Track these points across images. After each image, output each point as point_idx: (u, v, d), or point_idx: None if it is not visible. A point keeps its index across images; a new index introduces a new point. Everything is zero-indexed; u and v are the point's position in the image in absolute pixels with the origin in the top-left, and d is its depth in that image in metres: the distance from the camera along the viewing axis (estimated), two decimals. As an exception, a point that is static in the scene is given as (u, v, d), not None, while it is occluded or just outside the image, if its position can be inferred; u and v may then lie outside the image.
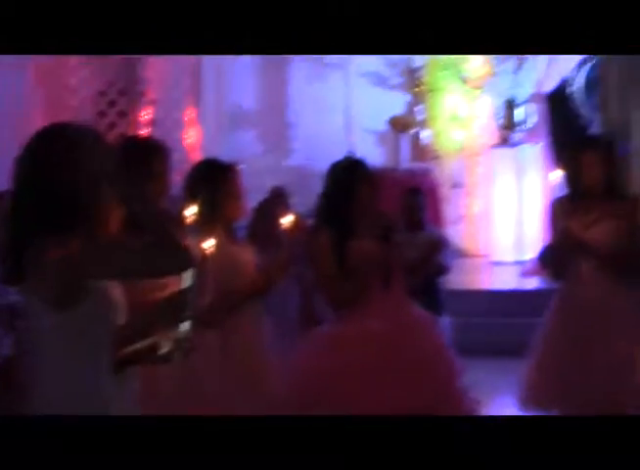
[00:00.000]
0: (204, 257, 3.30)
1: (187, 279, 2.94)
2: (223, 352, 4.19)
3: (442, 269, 6.44)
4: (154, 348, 2.90)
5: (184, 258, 2.80)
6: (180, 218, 3.45)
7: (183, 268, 2.86)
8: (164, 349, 2.91)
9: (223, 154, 10.20)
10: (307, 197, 7.71)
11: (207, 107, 10.60)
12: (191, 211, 3.37)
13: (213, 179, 4.38)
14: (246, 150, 10.80)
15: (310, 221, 6.42)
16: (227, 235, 4.36)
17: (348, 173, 4.62)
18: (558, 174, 4.72)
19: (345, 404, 4.28)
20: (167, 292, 2.97)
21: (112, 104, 10.40)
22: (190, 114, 10.32)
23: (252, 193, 7.70)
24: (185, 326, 2.95)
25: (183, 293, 2.94)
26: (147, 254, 2.72)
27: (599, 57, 9.02)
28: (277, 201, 6.28)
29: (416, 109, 10.97)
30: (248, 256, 4.47)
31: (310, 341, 4.65)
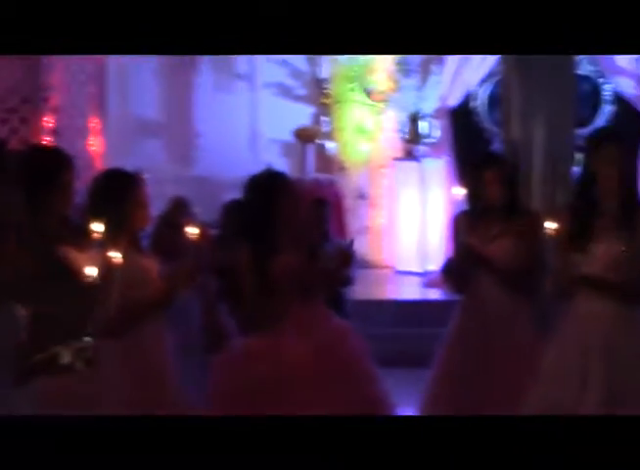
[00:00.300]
0: (109, 267, 3.28)
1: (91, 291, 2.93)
2: (125, 363, 4.15)
3: (347, 280, 6.48)
4: (54, 358, 2.88)
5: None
6: (85, 228, 3.42)
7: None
8: (65, 359, 2.89)
9: (127, 162, 10.07)
10: (212, 206, 7.69)
11: (112, 115, 10.49)
12: (96, 222, 3.34)
13: (118, 189, 4.35)
14: (150, 159, 10.69)
15: (214, 231, 6.42)
16: (132, 244, 4.33)
17: (269, 186, 4.54)
18: (461, 190, 4.80)
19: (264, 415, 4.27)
20: (72, 303, 2.95)
21: (13, 110, 10.22)
22: (94, 121, 10.21)
23: (157, 202, 7.63)
24: (87, 337, 2.93)
25: (87, 304, 2.92)
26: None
27: (501, 73, 9.17)
28: (181, 210, 6.24)
29: (322, 120, 11.02)
30: (152, 265, 4.44)
31: (228, 354, 4.61)
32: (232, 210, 6.13)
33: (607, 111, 10.71)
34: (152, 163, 10.54)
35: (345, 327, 4.68)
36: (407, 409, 5.16)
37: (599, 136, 4.56)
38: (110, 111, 10.40)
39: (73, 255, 3.79)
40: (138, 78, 10.33)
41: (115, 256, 3.38)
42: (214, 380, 4.51)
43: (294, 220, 4.51)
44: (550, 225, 4.19)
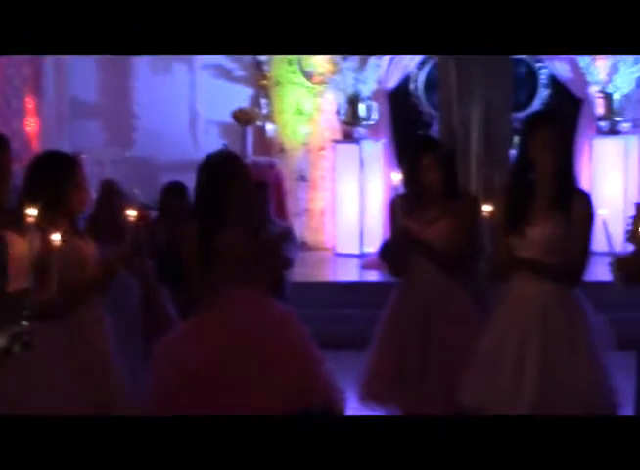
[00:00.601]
0: (48, 249, 3.26)
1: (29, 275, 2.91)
2: (64, 347, 4.14)
3: (287, 262, 6.49)
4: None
5: None
6: (22, 211, 3.40)
7: None
8: (1, 343, 2.87)
9: (64, 143, 10.02)
10: (150, 188, 7.64)
11: (48, 95, 10.38)
12: (34, 205, 3.32)
13: (56, 171, 4.31)
14: (87, 140, 10.61)
15: (153, 213, 6.39)
16: (70, 227, 4.30)
17: (222, 167, 4.54)
18: (398, 174, 4.83)
19: (206, 400, 4.29)
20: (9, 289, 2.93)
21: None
22: (30, 102, 10.09)
23: (95, 183, 7.56)
24: (24, 320, 2.92)
25: (24, 290, 2.90)
26: None
27: (438, 56, 9.23)
28: (112, 193, 6.21)
29: (261, 102, 11.00)
30: (90, 248, 4.42)
31: (167, 338, 4.60)
32: (173, 191, 6.11)
33: (543, 94, 10.82)
34: (90, 144, 10.47)
35: (286, 311, 4.70)
36: (345, 393, 5.18)
37: (535, 120, 4.61)
38: (46, 91, 10.28)
39: (11, 238, 3.76)
40: (75, 59, 10.21)
41: (54, 238, 3.36)
42: (155, 364, 4.51)
43: (243, 202, 4.51)
44: (487, 208, 4.24)
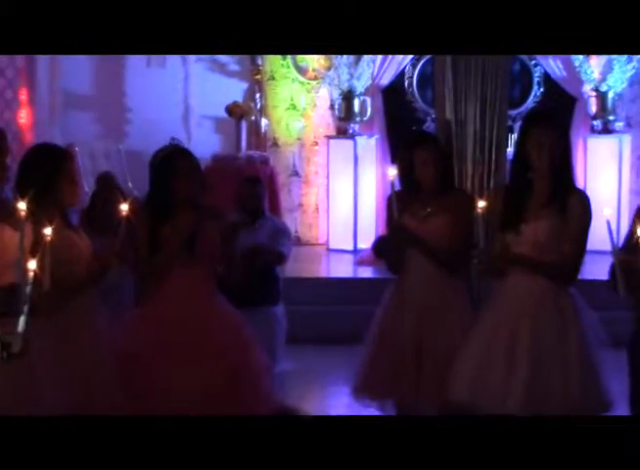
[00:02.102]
0: (41, 243, 3.23)
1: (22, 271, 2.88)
2: (57, 340, 4.12)
3: (280, 257, 6.49)
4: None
5: None
6: (14, 204, 3.37)
7: None
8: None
9: (57, 135, 9.98)
10: (144, 182, 7.60)
11: (42, 87, 10.33)
12: (26, 198, 3.29)
13: (49, 164, 4.31)
14: (81, 132, 10.58)
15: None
16: (63, 220, 4.30)
17: (166, 162, 4.71)
18: (393, 170, 4.82)
19: (150, 387, 4.44)
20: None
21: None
22: (23, 93, 10.05)
23: (88, 176, 7.53)
24: (20, 319, 2.89)
25: (10, 285, 2.87)
26: None
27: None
28: (109, 186, 6.19)
29: (255, 96, 10.97)
30: (83, 241, 4.41)
31: (122, 324, 4.72)
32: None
33: (536, 92, 10.82)
34: (82, 136, 10.43)
35: (231, 310, 4.79)
36: (338, 388, 5.19)
37: (531, 119, 4.61)
38: (39, 83, 10.24)
39: (4, 231, 3.74)
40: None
41: (46, 232, 3.34)
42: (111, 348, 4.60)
43: (186, 194, 4.66)
44: (481, 205, 4.23)
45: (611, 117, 10.22)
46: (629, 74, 10.14)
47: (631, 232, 4.01)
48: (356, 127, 10.49)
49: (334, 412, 6.12)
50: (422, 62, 10.75)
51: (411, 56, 10.60)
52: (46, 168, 4.27)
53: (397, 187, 4.85)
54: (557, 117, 4.75)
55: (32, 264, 2.94)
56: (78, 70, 10.74)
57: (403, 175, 4.91)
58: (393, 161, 5.09)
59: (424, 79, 10.77)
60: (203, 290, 4.72)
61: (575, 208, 4.36)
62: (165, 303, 4.63)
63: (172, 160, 4.71)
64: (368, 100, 10.44)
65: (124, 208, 4.26)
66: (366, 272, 9.41)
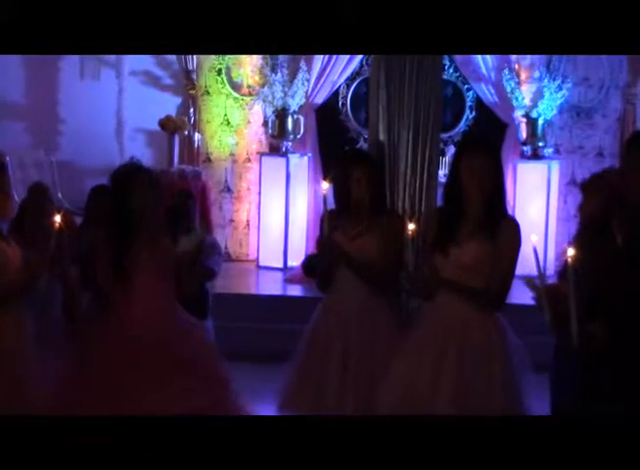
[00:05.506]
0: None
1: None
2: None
3: (210, 273, 6.48)
4: None
5: None
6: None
7: None
8: None
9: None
10: (74, 193, 7.53)
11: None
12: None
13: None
14: (12, 142, 10.45)
15: (79, 218, 6.33)
16: (-7, 230, 4.26)
17: (126, 180, 4.64)
18: (326, 187, 4.85)
19: (109, 406, 4.30)
20: None
21: None
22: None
23: (18, 186, 7.44)
24: None
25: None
26: None
27: (367, 73, 9.28)
28: (41, 196, 6.13)
29: (188, 111, 10.95)
30: (13, 251, 4.38)
31: (78, 341, 4.63)
32: (97, 194, 6.05)
33: (469, 117, 10.97)
34: (13, 146, 10.31)
35: (192, 322, 4.75)
36: (265, 406, 5.19)
37: (464, 145, 4.68)
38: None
39: None
40: (2, 60, 10.06)
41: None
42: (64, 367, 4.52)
43: (146, 212, 4.59)
44: (411, 227, 4.28)
45: (540, 144, 10.39)
46: (559, 102, 10.33)
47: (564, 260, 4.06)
48: (289, 145, 10.52)
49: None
50: (356, 82, 10.84)
51: (346, 75, 10.67)
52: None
53: (330, 201, 4.89)
54: (489, 143, 4.82)
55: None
56: (10, 79, 10.63)
57: (337, 192, 4.95)
58: (326, 178, 5.12)
59: (357, 100, 10.86)
60: (166, 307, 4.67)
61: (505, 234, 4.40)
62: (131, 323, 4.56)
63: (133, 175, 4.66)
64: (301, 118, 10.49)
65: (57, 219, 4.24)
66: (295, 290, 9.43)
